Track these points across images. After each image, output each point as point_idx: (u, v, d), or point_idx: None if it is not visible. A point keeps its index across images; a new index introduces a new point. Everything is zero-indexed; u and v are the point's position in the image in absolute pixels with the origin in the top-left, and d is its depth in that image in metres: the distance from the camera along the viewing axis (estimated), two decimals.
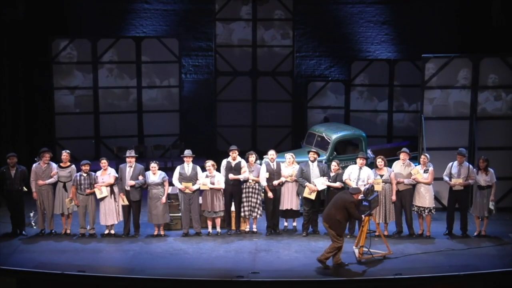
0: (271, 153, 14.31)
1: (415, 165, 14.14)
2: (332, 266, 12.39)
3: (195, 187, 14.09)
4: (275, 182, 14.19)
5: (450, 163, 14.16)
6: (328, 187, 14.07)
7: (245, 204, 14.23)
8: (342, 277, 11.99)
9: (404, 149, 14.24)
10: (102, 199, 13.99)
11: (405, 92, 19.88)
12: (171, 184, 14.24)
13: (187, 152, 14.24)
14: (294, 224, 14.62)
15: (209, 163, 14.12)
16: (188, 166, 14.13)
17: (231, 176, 14.16)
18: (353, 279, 11.92)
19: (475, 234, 14.07)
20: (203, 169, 14.24)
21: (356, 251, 12.75)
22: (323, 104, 20.31)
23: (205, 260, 12.88)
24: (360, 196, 12.51)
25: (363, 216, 12.57)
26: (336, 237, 12.28)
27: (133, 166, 14.04)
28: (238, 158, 14.27)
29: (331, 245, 12.34)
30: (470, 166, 14.08)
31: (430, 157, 14.21)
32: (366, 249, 12.71)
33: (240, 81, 20.42)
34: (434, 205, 14.11)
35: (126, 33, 20.48)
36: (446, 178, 14.12)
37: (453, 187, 14.06)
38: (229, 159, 14.29)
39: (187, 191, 14.02)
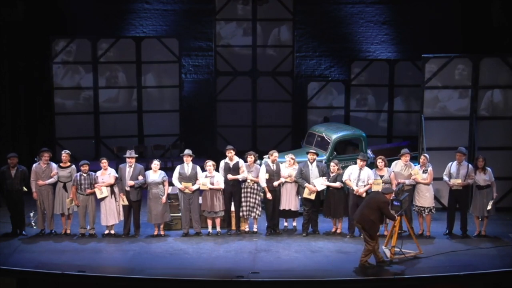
0: (275, 154, 14.26)
1: (415, 165, 14.15)
2: (376, 264, 12.36)
3: (195, 187, 14.08)
4: (275, 184, 14.18)
5: (450, 163, 14.17)
6: (328, 187, 14.08)
7: (243, 204, 14.22)
8: (343, 277, 11.97)
9: (405, 150, 14.24)
10: (102, 199, 13.99)
11: (405, 92, 19.89)
12: (171, 184, 14.24)
13: (187, 151, 14.23)
14: (294, 224, 14.62)
15: (210, 163, 14.12)
16: (188, 166, 14.13)
17: (229, 176, 14.15)
18: (353, 279, 11.91)
19: (475, 234, 14.07)
20: (203, 169, 14.25)
21: (387, 251, 12.75)
22: (323, 104, 20.30)
23: (205, 260, 12.87)
24: (392, 196, 12.56)
25: (396, 215, 12.58)
26: (370, 239, 12.23)
27: (132, 166, 14.04)
28: (236, 158, 14.27)
29: (365, 249, 12.31)
30: (470, 165, 14.08)
31: (430, 157, 14.21)
32: (398, 249, 12.70)
33: (240, 81, 20.41)
34: (434, 205, 14.12)
35: (126, 33, 20.49)
36: (446, 178, 14.13)
37: (452, 187, 14.08)
38: (227, 159, 14.28)
39: (186, 191, 14.02)
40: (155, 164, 14.04)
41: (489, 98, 15.96)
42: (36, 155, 14.48)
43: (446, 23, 19.87)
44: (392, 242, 12.68)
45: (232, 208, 14.34)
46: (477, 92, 15.87)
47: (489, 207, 13.84)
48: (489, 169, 13.97)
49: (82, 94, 19.58)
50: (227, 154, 14.26)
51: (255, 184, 14.22)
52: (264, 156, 14.92)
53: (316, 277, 11.97)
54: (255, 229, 14.37)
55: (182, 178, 14.05)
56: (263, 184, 14.16)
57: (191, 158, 14.18)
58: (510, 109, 15.97)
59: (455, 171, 14.02)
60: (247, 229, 14.37)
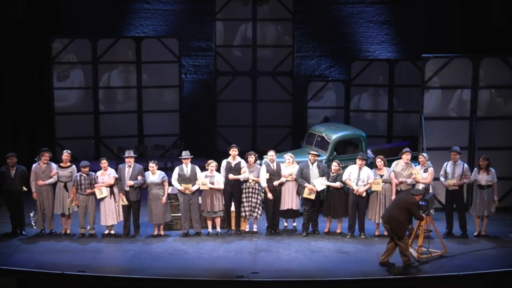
0: (271, 154, 14.31)
1: (415, 165, 14.16)
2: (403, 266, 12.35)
3: (195, 187, 14.08)
4: (276, 183, 14.18)
5: (446, 163, 14.21)
6: (328, 186, 14.08)
7: (245, 204, 14.22)
8: (343, 277, 11.97)
9: (407, 148, 14.24)
10: (102, 199, 13.99)
11: (405, 92, 19.88)
12: (170, 184, 14.23)
13: (185, 153, 14.21)
14: (294, 224, 14.62)
15: (214, 164, 14.10)
16: (187, 167, 14.12)
17: (231, 176, 14.15)
18: (353, 279, 11.90)
19: (475, 234, 14.07)
20: (203, 169, 14.24)
21: (413, 251, 12.75)
22: (323, 104, 20.30)
23: (205, 260, 12.87)
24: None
25: (423, 215, 12.58)
26: (399, 239, 12.22)
27: (132, 166, 14.04)
28: (238, 158, 14.27)
29: (400, 250, 12.26)
30: (465, 165, 14.12)
31: (430, 157, 14.22)
32: (425, 249, 12.73)
33: (240, 81, 20.41)
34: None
35: (126, 33, 20.47)
36: (442, 178, 14.16)
37: (447, 188, 14.09)
38: (229, 159, 14.28)
39: (187, 192, 14.01)
40: (151, 166, 14.02)
41: (489, 98, 15.96)
42: (36, 155, 14.48)
43: (446, 23, 19.85)
44: (419, 242, 12.72)
45: (232, 208, 14.34)
46: (477, 92, 15.88)
47: (493, 209, 13.87)
48: (492, 169, 13.97)
49: (82, 94, 19.58)
50: (230, 152, 14.25)
51: (257, 184, 14.23)
52: (264, 156, 14.92)
53: (316, 277, 11.97)
54: (255, 229, 14.37)
55: (182, 179, 14.04)
56: (264, 184, 14.17)
57: (190, 160, 14.17)
58: (510, 109, 15.97)
59: (451, 171, 14.05)
60: (247, 229, 14.38)
